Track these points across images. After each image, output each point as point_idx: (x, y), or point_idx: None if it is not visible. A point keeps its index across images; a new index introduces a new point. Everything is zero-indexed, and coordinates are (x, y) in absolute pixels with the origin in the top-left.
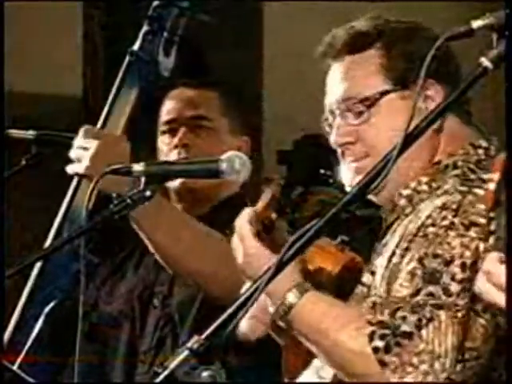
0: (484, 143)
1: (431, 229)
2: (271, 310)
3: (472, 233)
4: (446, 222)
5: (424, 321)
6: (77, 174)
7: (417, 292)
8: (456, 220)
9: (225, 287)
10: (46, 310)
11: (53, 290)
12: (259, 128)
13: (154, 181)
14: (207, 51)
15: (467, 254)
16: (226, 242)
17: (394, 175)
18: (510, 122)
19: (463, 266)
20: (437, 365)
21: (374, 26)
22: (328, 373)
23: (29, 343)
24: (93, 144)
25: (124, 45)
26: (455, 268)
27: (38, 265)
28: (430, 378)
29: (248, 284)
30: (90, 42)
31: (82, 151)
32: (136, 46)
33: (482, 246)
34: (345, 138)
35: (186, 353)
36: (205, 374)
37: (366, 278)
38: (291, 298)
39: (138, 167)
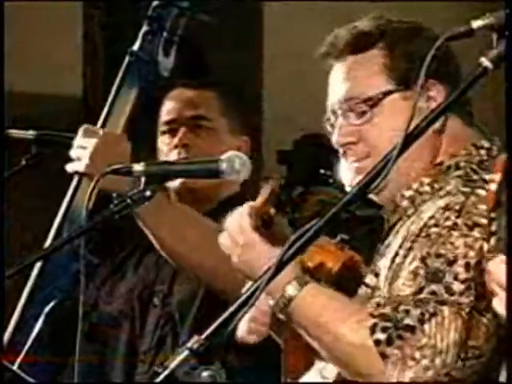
0: (486, 144)
1: (434, 229)
2: (271, 302)
3: (476, 233)
4: (449, 223)
5: (427, 315)
6: (77, 173)
7: (420, 290)
8: (459, 221)
9: (228, 281)
10: (46, 309)
11: (53, 290)
12: (259, 128)
13: (154, 181)
14: (207, 51)
15: (471, 254)
16: None
17: (396, 175)
18: (510, 123)
19: (467, 266)
20: (438, 360)
21: (377, 26)
22: (331, 373)
23: (29, 343)
24: (92, 142)
25: (124, 45)
26: (458, 267)
27: (38, 265)
28: (430, 373)
29: (249, 283)
30: (90, 42)
31: (82, 150)
32: (136, 46)
33: (485, 246)
34: (347, 137)
35: (185, 353)
36: (205, 373)
37: (369, 279)
38: (291, 290)
39: (138, 167)
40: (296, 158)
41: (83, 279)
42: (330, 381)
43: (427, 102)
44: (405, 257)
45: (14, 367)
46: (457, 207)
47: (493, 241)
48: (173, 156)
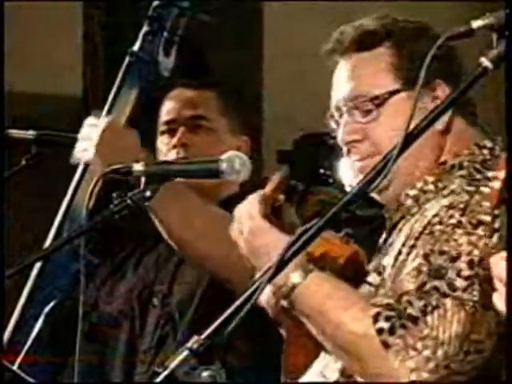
0: (489, 143)
1: (438, 227)
2: (275, 289)
3: (480, 231)
4: (453, 221)
5: (430, 307)
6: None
7: (422, 285)
8: (463, 219)
9: (235, 270)
10: (46, 309)
11: (53, 290)
12: (259, 128)
13: (154, 181)
14: (207, 51)
15: (475, 251)
16: None
17: (399, 174)
18: (510, 123)
19: (471, 263)
20: (440, 352)
21: (382, 25)
22: (332, 372)
23: (29, 343)
24: (98, 132)
25: (124, 45)
26: (461, 264)
27: (38, 265)
28: (431, 365)
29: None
30: (90, 42)
31: (88, 141)
32: (136, 47)
33: (489, 243)
34: (352, 135)
35: (185, 353)
36: (205, 373)
37: (372, 278)
38: (295, 278)
39: (137, 167)
40: (296, 158)
41: (83, 279)
42: (331, 381)
43: (433, 101)
44: (408, 254)
45: (14, 367)
46: (461, 206)
47: (495, 238)
48: (171, 156)
